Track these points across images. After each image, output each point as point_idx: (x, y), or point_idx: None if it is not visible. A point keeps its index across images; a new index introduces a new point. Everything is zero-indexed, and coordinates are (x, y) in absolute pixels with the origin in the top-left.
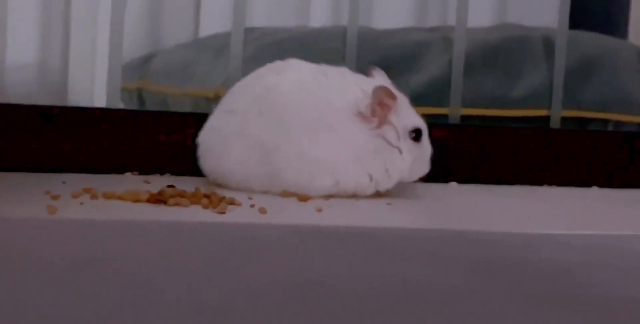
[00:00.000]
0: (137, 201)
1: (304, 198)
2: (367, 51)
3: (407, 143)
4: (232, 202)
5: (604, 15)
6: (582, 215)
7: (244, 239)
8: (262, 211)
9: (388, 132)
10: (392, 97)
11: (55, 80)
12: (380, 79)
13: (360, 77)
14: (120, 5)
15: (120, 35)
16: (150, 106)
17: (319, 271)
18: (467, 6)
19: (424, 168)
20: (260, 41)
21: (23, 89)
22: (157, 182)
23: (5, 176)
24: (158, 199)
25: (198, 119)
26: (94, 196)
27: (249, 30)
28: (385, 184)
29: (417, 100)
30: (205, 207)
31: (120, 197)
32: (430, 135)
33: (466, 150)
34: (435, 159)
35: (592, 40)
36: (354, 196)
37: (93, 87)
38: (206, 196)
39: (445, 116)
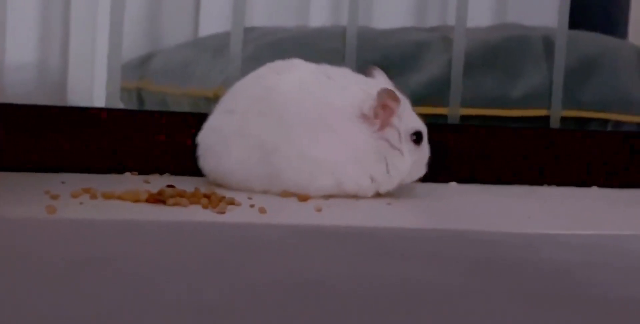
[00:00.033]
0: (137, 201)
1: (303, 198)
2: (367, 51)
3: (408, 145)
4: (231, 202)
5: (604, 15)
6: (582, 215)
7: (243, 239)
8: (262, 210)
9: (390, 134)
10: (396, 100)
11: (54, 80)
12: (381, 79)
13: (362, 78)
14: (120, 5)
15: (119, 35)
16: (150, 106)
17: (318, 271)
18: (466, 6)
19: (422, 171)
20: (259, 41)
21: (22, 89)
22: (157, 182)
23: (5, 176)
24: (157, 199)
25: (198, 119)
26: (94, 196)
27: (248, 30)
28: (387, 186)
29: (416, 100)
30: (204, 207)
31: (119, 197)
32: (430, 135)
33: (466, 150)
34: (434, 159)
35: (592, 40)
36: (355, 196)
37: (92, 87)
38: (206, 196)
39: (444, 116)
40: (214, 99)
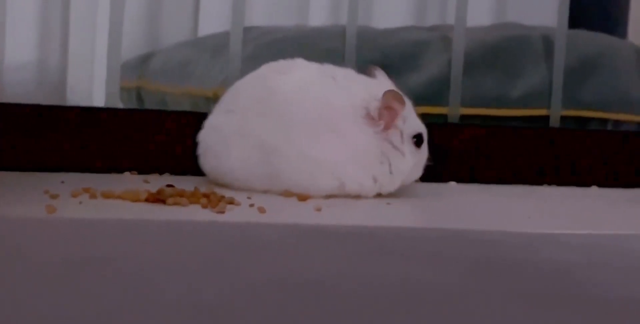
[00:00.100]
0: (136, 200)
1: (303, 198)
2: (367, 50)
3: (409, 147)
4: (231, 201)
5: (604, 15)
6: (582, 215)
7: (243, 239)
8: (261, 210)
9: (393, 135)
10: (402, 102)
11: (54, 79)
12: (382, 79)
13: (365, 79)
14: (119, 4)
15: (119, 34)
16: (149, 105)
17: (318, 271)
18: (466, 5)
19: (419, 173)
20: (259, 40)
21: (22, 89)
22: (156, 182)
23: (4, 176)
24: (157, 198)
25: (197, 119)
26: (93, 196)
27: (248, 30)
28: (389, 187)
29: (416, 99)
30: (204, 206)
31: (119, 197)
32: (430, 135)
33: (466, 150)
34: (434, 159)
35: (592, 40)
36: (357, 197)
37: (92, 87)
38: (205, 195)
39: (444, 116)
40: (213, 99)
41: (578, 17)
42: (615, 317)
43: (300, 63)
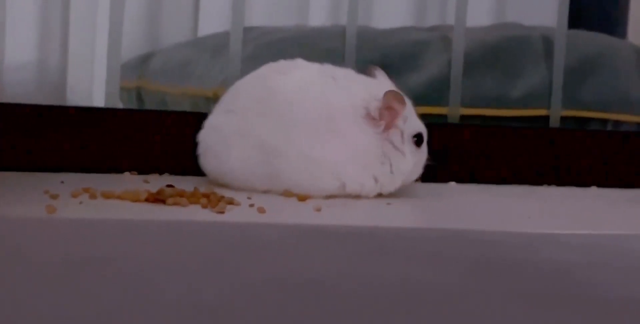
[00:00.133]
0: (136, 200)
1: (303, 198)
2: (366, 51)
3: (410, 147)
4: (231, 201)
5: (603, 15)
6: (582, 215)
7: (242, 239)
8: (261, 210)
9: (394, 135)
10: (402, 102)
11: (54, 79)
12: (382, 79)
13: (365, 79)
14: (119, 4)
15: (119, 34)
16: (149, 105)
17: (318, 271)
18: (466, 5)
19: (419, 172)
20: (259, 40)
21: (22, 89)
22: (156, 182)
23: (4, 176)
24: (157, 198)
25: (197, 119)
26: (93, 196)
27: (248, 30)
28: (390, 187)
29: (416, 100)
30: (204, 206)
31: (119, 197)
32: (430, 135)
33: (465, 150)
34: (434, 159)
35: (591, 40)
36: (357, 197)
37: (92, 87)
38: (205, 195)
39: (444, 116)
40: (213, 99)
41: (578, 17)
42: (615, 317)
43: (300, 63)
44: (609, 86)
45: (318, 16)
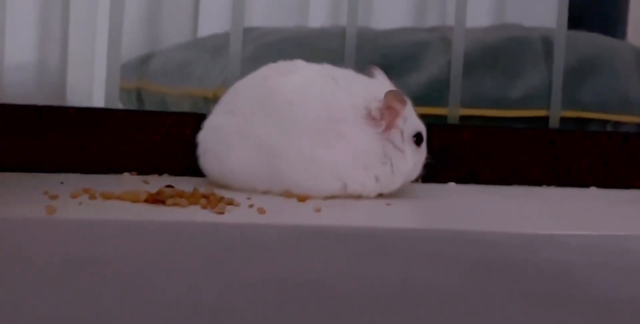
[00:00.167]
0: (136, 201)
1: (302, 198)
2: (366, 51)
3: (410, 147)
4: (230, 202)
5: (603, 16)
6: (582, 215)
7: (242, 240)
8: (261, 211)
9: (394, 135)
10: (403, 102)
11: (53, 80)
12: (383, 80)
13: (365, 79)
14: (119, 5)
15: (119, 35)
16: (149, 106)
17: (318, 271)
18: (465, 6)
19: (418, 171)
20: (259, 41)
21: (22, 89)
22: (156, 183)
23: (4, 176)
24: (156, 199)
25: (197, 119)
26: (93, 196)
27: (247, 30)
28: (391, 187)
29: (416, 100)
30: (203, 207)
31: (118, 198)
32: (429, 135)
33: (465, 150)
34: (434, 159)
35: (591, 41)
36: (358, 197)
37: (92, 87)
38: (204, 196)
39: (444, 116)
40: (213, 99)
41: (577, 18)
42: (615, 317)
43: (300, 64)
44: (608, 87)
45: (318, 17)
